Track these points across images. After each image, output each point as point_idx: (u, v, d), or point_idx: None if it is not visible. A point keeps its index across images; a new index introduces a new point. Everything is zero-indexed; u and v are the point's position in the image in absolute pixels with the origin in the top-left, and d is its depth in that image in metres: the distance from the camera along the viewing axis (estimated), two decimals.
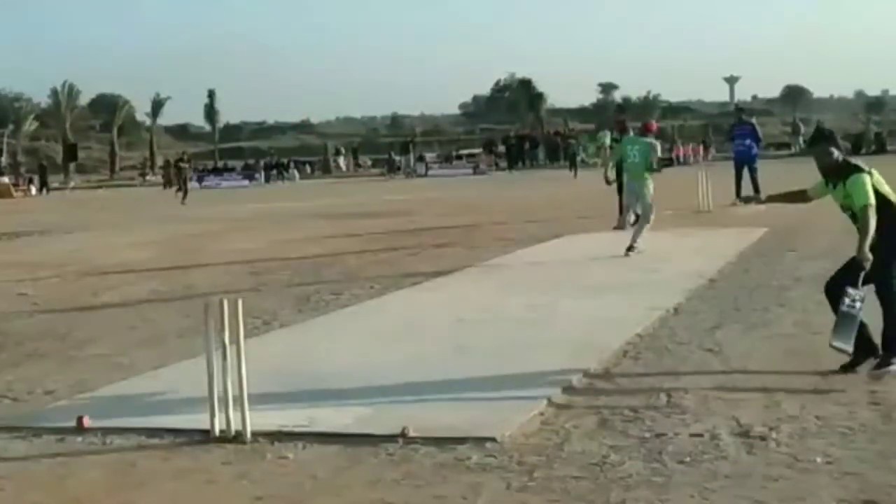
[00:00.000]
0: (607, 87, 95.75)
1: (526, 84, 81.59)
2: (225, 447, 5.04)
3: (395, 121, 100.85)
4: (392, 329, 8.14)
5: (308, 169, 57.68)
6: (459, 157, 56.49)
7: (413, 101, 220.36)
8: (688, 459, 4.53)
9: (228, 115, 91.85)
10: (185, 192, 33.28)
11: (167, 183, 49.81)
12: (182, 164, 37.13)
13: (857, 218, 5.87)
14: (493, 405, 5.57)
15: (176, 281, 12.03)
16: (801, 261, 10.84)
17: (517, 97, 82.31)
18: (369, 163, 60.82)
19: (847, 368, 5.87)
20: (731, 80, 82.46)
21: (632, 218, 12.94)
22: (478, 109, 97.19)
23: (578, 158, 40.83)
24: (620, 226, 14.18)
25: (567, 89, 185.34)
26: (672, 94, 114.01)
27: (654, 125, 14.47)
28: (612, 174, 14.57)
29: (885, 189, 5.95)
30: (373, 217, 21.06)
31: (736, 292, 9.05)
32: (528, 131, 60.97)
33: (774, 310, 8.14)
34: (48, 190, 50.26)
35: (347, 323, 8.62)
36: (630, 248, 11.95)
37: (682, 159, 41.70)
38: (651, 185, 12.38)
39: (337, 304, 9.64)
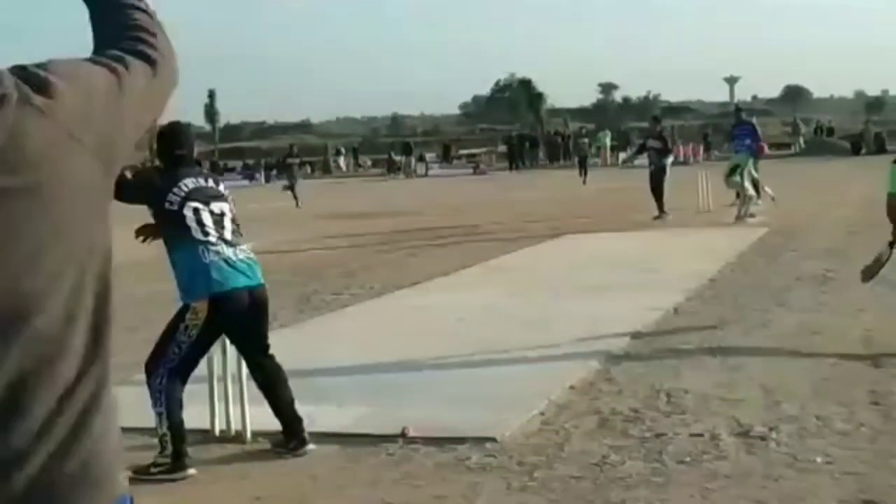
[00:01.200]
0: (607, 87, 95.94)
1: (526, 84, 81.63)
2: (225, 447, 5.05)
3: (395, 121, 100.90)
4: (392, 329, 8.14)
5: (308, 169, 57.64)
6: (459, 158, 56.46)
7: (413, 101, 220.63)
8: (688, 459, 4.53)
9: (228, 115, 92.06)
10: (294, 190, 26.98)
11: None
12: (291, 160, 29.71)
13: None
14: (493, 405, 5.57)
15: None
16: (801, 261, 10.83)
17: (517, 97, 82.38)
18: (369, 163, 60.74)
19: None
20: (731, 80, 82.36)
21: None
22: (478, 109, 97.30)
23: (595, 161, 35.32)
24: (660, 215, 16.25)
25: (567, 89, 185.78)
26: (672, 94, 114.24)
27: (765, 148, 17.96)
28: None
29: None
30: (373, 217, 21.05)
31: (736, 292, 9.04)
32: (528, 132, 60.85)
33: (774, 310, 8.13)
34: None
35: (347, 323, 8.63)
36: (740, 217, 15.51)
37: (682, 159, 41.64)
38: (738, 178, 15.86)
39: (337, 304, 9.64)
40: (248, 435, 5.12)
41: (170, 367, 4.73)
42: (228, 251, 4.78)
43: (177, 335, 4.75)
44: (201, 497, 4.50)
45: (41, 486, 1.26)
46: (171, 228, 4.83)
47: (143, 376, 4.79)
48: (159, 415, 4.71)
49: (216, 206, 4.84)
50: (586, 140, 39.66)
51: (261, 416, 5.19)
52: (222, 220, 4.84)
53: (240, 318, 4.81)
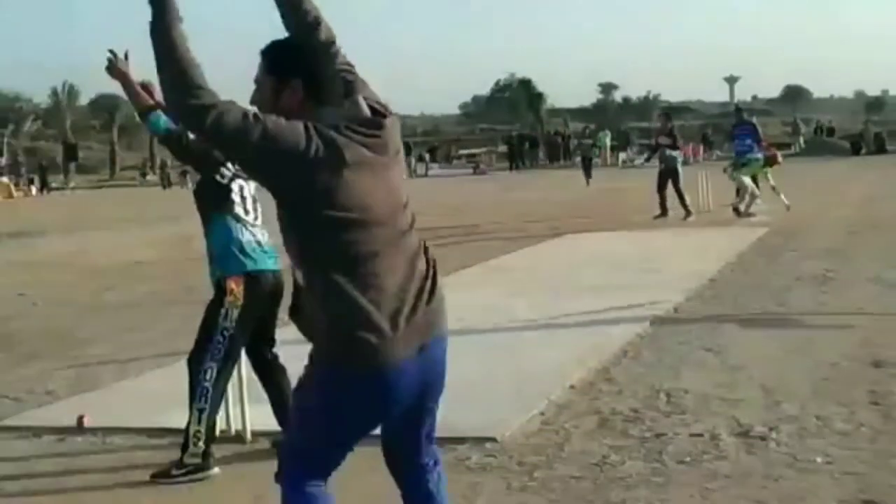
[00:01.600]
0: (607, 87, 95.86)
1: (526, 84, 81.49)
2: (225, 447, 5.04)
3: None
4: None
5: None
6: (458, 157, 56.45)
7: (413, 101, 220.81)
8: (688, 459, 4.54)
9: None
10: None
11: (167, 184, 49.82)
12: None
13: None
14: (493, 405, 5.57)
15: (177, 281, 12.02)
16: (801, 261, 10.83)
17: (517, 97, 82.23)
18: None
19: None
20: (731, 80, 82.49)
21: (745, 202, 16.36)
22: (478, 109, 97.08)
23: (594, 161, 33.71)
24: (662, 214, 16.42)
25: (567, 89, 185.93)
26: (672, 94, 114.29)
27: (779, 158, 18.03)
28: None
29: None
30: None
31: (736, 292, 9.05)
32: (528, 132, 60.77)
33: (774, 310, 8.14)
34: (48, 190, 50.22)
35: None
36: (738, 212, 15.97)
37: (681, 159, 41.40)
38: (740, 178, 16.24)
39: None
40: (249, 435, 5.12)
41: (217, 359, 4.64)
42: (259, 233, 4.83)
43: (219, 322, 4.66)
44: (201, 497, 4.50)
45: (440, 307, 2.84)
46: (215, 200, 4.81)
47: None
48: (200, 411, 4.59)
49: (253, 188, 4.88)
50: (590, 140, 39.14)
51: (261, 417, 5.19)
52: (255, 203, 4.88)
53: (264, 300, 4.76)
